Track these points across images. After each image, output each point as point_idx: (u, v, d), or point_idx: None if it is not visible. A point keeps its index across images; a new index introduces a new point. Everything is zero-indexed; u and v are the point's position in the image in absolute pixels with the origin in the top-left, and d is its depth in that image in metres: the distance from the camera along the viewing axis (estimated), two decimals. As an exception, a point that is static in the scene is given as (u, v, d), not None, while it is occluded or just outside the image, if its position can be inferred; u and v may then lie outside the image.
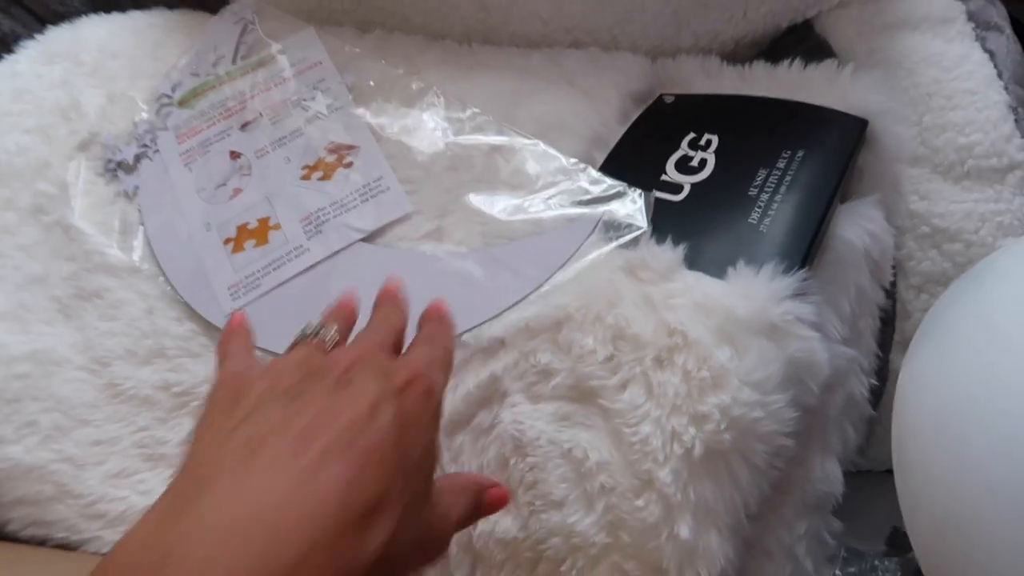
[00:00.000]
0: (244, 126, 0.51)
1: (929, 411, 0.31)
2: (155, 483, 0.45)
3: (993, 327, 0.30)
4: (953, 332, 0.31)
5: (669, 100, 0.51)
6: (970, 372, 0.29)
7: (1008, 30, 0.54)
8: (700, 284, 0.39)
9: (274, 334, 0.42)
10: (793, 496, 0.42)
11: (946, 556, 0.29)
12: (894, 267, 0.48)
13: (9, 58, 0.59)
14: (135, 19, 0.62)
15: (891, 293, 0.49)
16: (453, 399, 0.41)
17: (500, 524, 0.40)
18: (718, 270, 0.40)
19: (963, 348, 0.30)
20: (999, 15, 0.55)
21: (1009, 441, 0.27)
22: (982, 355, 0.28)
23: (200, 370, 0.46)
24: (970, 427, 0.28)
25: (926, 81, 0.50)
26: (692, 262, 0.41)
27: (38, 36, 0.61)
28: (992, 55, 0.52)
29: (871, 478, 0.50)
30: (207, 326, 0.46)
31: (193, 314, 0.47)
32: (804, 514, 0.42)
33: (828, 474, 0.44)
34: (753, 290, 0.38)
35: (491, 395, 0.41)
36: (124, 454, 0.45)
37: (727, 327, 0.38)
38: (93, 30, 0.60)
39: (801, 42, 0.53)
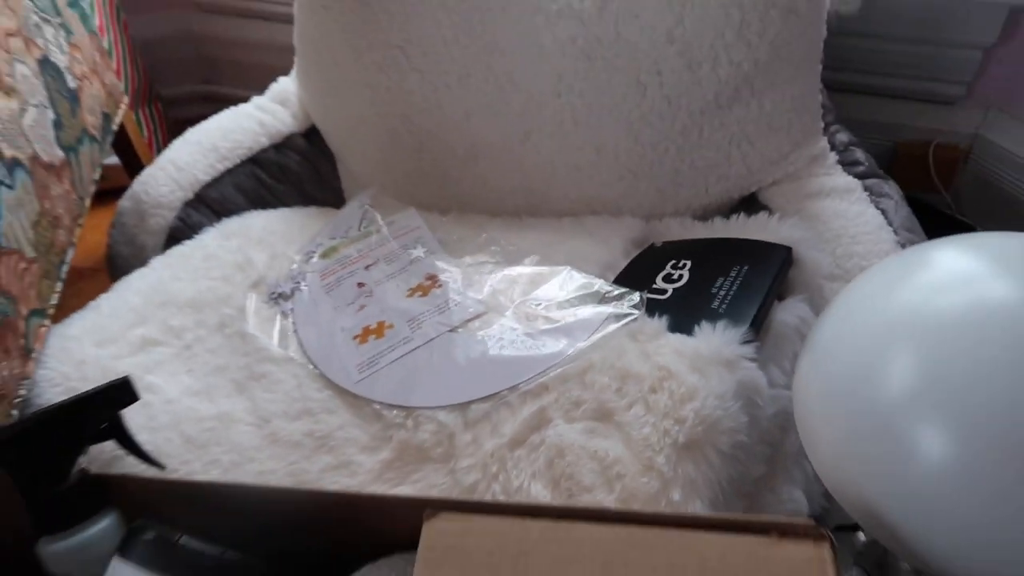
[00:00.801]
0: (367, 267, 0.75)
1: (810, 387, 0.49)
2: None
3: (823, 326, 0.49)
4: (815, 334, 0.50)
5: (658, 245, 0.74)
6: (821, 357, 0.48)
7: (897, 197, 0.77)
8: (677, 339, 0.59)
9: (388, 394, 0.63)
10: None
11: (836, 471, 0.46)
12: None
13: (198, 237, 0.86)
14: (285, 212, 0.89)
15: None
16: (514, 424, 0.60)
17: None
18: (689, 331, 0.60)
19: (819, 335, 0.49)
20: (890, 188, 0.78)
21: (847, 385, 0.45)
22: (825, 341, 0.48)
23: (335, 421, 0.65)
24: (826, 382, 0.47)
25: (835, 227, 0.73)
26: (672, 328, 0.61)
27: (217, 224, 0.87)
28: (884, 212, 0.75)
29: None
30: (340, 391, 0.66)
31: (330, 384, 0.67)
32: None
33: (795, 499, 0.60)
34: (713, 339, 0.58)
35: (540, 421, 0.60)
36: (279, 482, 0.63)
37: (695, 362, 0.57)
38: (257, 218, 0.87)
39: (749, 207, 0.77)
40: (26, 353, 0.69)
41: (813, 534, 0.39)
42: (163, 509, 0.43)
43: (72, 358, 0.71)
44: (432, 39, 0.74)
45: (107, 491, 0.44)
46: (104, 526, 0.44)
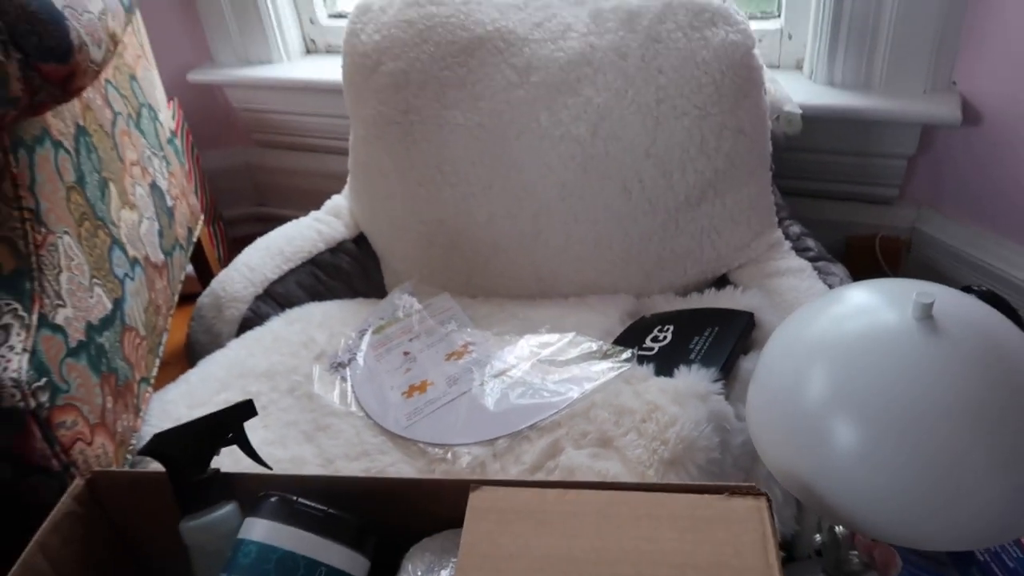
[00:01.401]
0: (411, 339, 0.92)
1: (756, 400, 0.64)
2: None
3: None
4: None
5: (647, 316, 0.91)
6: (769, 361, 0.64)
7: (842, 275, 0.94)
8: (661, 380, 0.75)
9: (431, 436, 0.78)
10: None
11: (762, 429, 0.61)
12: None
13: (267, 324, 1.03)
14: (339, 303, 1.07)
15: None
16: (533, 454, 0.75)
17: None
18: (670, 374, 0.76)
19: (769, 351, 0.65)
20: (837, 269, 0.95)
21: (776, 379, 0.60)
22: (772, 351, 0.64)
23: (387, 459, 0.79)
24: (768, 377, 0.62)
25: (790, 298, 0.89)
26: (657, 373, 0.77)
27: (282, 314, 1.05)
28: (830, 287, 0.92)
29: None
30: (393, 437, 0.81)
31: (383, 431, 0.82)
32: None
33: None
34: (689, 377, 0.74)
35: (554, 450, 0.75)
36: (341, 508, 0.77)
37: (676, 396, 0.73)
38: (317, 308, 1.05)
39: (720, 286, 0.94)
40: (136, 412, 0.85)
41: (755, 492, 0.54)
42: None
43: (169, 417, 0.87)
44: (462, 160, 0.94)
45: (231, 485, 0.60)
46: (228, 510, 0.58)
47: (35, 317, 0.66)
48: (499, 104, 0.91)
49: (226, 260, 1.44)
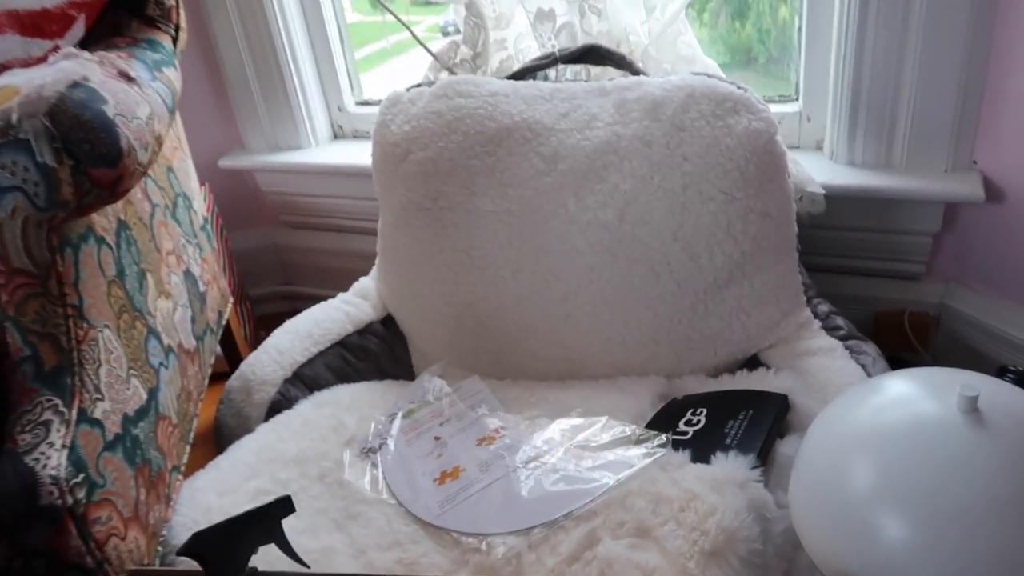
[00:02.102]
0: (441, 424, 0.92)
1: (798, 492, 0.63)
2: (393, 617, 0.75)
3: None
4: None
5: (679, 399, 0.91)
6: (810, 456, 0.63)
7: (874, 354, 0.94)
8: (698, 467, 0.74)
9: (464, 524, 0.77)
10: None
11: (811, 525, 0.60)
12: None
13: (296, 407, 1.03)
14: (366, 384, 1.07)
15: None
16: (570, 544, 0.73)
17: (602, 609, 0.69)
18: (707, 461, 0.75)
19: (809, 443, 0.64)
20: (868, 348, 0.95)
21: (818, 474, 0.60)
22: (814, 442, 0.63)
23: (420, 549, 0.78)
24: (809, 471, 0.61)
25: (822, 379, 0.89)
26: (693, 460, 0.76)
27: (311, 397, 1.05)
28: (864, 366, 0.91)
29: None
30: (425, 525, 0.80)
31: (415, 519, 0.81)
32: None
33: (810, 609, 0.72)
34: (726, 464, 0.73)
35: (591, 540, 0.73)
36: (376, 595, 0.76)
37: (714, 484, 0.72)
38: (345, 390, 1.05)
39: (751, 366, 0.94)
40: (168, 501, 0.85)
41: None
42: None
43: (200, 506, 0.87)
44: (490, 244, 0.96)
45: (268, 584, 0.59)
46: (266, 611, 0.58)
47: (75, 412, 0.67)
48: (527, 191, 0.93)
49: (252, 339, 1.45)
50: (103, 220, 0.76)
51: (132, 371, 0.78)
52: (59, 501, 0.63)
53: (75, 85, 0.61)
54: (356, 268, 1.31)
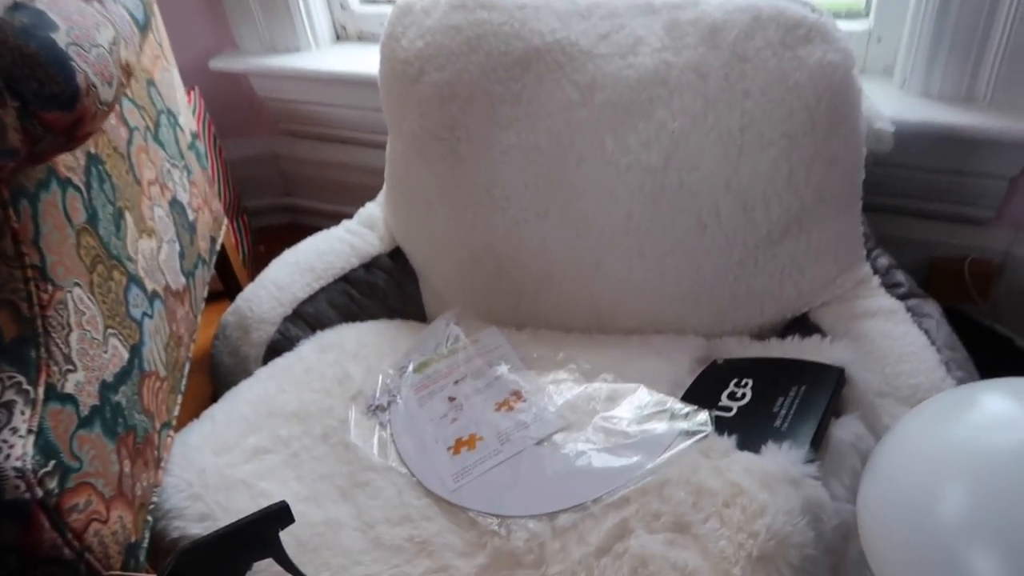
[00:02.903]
0: (456, 382, 0.83)
1: (874, 512, 0.56)
2: (404, 601, 0.69)
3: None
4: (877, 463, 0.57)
5: (720, 362, 0.82)
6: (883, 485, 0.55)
7: (937, 316, 0.84)
8: (746, 457, 0.66)
9: (482, 503, 0.70)
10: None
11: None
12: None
13: (297, 350, 0.95)
14: (373, 324, 0.98)
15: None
16: (599, 534, 0.66)
17: (634, 612, 0.62)
18: (756, 449, 0.67)
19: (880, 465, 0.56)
20: (930, 308, 0.85)
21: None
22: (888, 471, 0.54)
23: (433, 527, 0.72)
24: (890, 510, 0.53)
25: (882, 347, 0.80)
26: (739, 446, 0.68)
27: (313, 337, 0.97)
28: (927, 332, 0.82)
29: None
30: (438, 499, 0.73)
31: (429, 493, 0.74)
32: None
33: (857, 606, 0.66)
34: (779, 457, 0.65)
35: (623, 531, 0.66)
36: (384, 584, 0.70)
37: (765, 479, 0.64)
38: (350, 331, 0.96)
39: (802, 326, 0.85)
40: (157, 464, 0.78)
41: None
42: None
43: (194, 466, 0.80)
44: (515, 183, 0.84)
45: (265, 598, 0.52)
46: (263, 630, 0.51)
47: (41, 390, 0.58)
48: (558, 125, 0.81)
49: (250, 255, 1.36)
50: (67, 158, 0.65)
51: (110, 330, 0.69)
52: (27, 495, 0.55)
53: (15, 7, 0.49)
54: (363, 183, 1.20)
